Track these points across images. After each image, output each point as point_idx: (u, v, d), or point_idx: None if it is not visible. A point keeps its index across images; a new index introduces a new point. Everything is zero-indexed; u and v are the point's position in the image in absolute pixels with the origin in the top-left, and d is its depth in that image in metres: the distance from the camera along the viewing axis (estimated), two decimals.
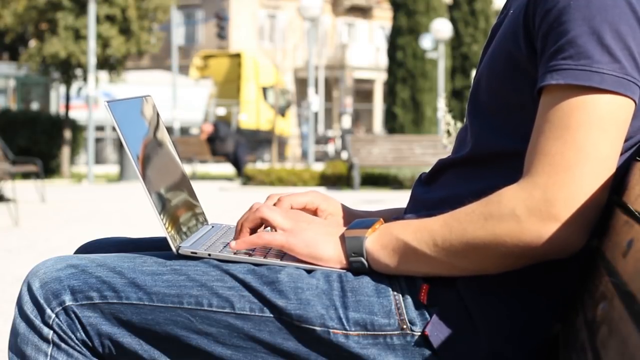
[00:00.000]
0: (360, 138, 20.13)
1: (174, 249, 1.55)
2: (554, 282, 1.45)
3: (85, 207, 12.53)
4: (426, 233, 1.44)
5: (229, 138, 22.10)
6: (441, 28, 25.54)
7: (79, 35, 22.02)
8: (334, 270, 1.50)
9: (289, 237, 1.52)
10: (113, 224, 9.95)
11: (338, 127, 41.83)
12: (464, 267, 1.43)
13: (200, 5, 45.49)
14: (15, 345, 1.53)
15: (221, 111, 33.65)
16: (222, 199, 13.96)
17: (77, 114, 26.34)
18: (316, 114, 33.93)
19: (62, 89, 25.30)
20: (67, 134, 22.83)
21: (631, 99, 1.37)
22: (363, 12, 49.90)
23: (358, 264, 1.49)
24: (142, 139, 1.61)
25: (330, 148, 34.74)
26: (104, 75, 23.64)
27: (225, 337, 1.49)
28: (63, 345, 1.51)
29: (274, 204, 1.65)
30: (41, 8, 22.19)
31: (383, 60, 39.61)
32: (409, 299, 1.46)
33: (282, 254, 1.55)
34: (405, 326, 1.45)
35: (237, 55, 34.90)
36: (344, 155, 21.76)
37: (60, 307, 1.51)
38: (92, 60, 20.70)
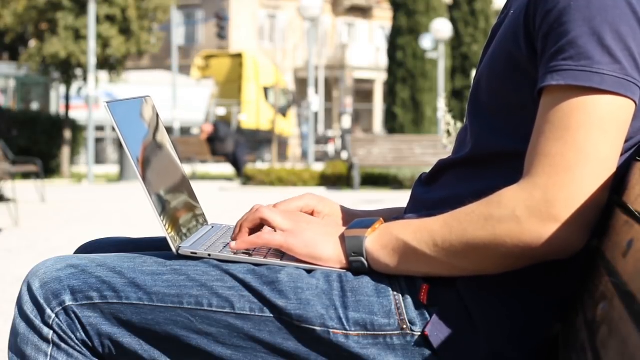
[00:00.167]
0: (360, 138, 20.13)
1: (174, 250, 1.55)
2: (554, 283, 1.45)
3: (85, 207, 12.53)
4: (426, 233, 1.44)
5: (229, 138, 22.10)
6: (441, 28, 25.54)
7: (79, 35, 22.02)
8: (334, 270, 1.50)
9: (288, 238, 1.53)
10: (113, 224, 9.95)
11: (338, 127, 41.84)
12: (464, 267, 1.43)
13: (200, 5, 45.48)
14: (15, 345, 1.53)
15: (221, 111, 33.65)
16: (222, 199, 13.96)
17: (77, 114, 26.35)
18: (316, 114, 33.95)
19: (62, 89, 25.31)
20: (67, 134, 22.84)
21: (631, 99, 1.37)
22: (363, 12, 49.90)
23: (358, 264, 1.49)
24: (141, 139, 1.61)
25: (330, 148, 34.75)
26: (104, 75, 23.65)
27: (225, 337, 1.49)
28: (63, 345, 1.51)
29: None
30: (41, 8, 22.19)
31: (383, 60, 39.62)
32: (409, 299, 1.46)
33: (282, 254, 1.55)
34: (405, 326, 1.45)
35: (239, 56, 34.90)
36: (344, 155, 21.77)
37: (60, 307, 1.51)
38: (92, 60, 20.70)
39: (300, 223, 1.55)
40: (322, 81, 40.06)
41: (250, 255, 1.55)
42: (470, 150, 1.54)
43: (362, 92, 48.78)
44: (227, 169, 23.49)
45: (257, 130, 31.65)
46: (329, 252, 1.51)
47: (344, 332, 1.46)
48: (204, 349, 1.50)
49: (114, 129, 2.07)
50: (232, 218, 1.80)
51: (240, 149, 21.75)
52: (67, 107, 23.58)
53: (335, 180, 17.60)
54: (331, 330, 1.46)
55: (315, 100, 23.80)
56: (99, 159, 29.47)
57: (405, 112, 27.12)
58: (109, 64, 22.75)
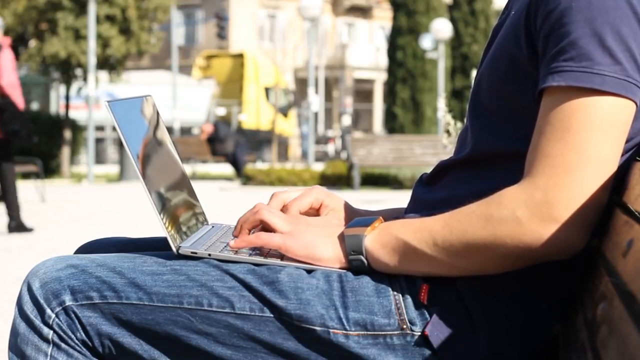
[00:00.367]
0: (360, 138, 20.13)
1: (174, 249, 1.55)
2: (554, 283, 1.46)
3: (85, 207, 12.53)
4: (426, 233, 1.44)
5: (229, 138, 22.11)
6: (441, 28, 25.55)
7: (79, 35, 22.04)
8: (334, 270, 1.50)
9: (287, 240, 1.53)
10: (113, 224, 9.95)
11: (338, 127, 41.85)
12: (464, 267, 1.43)
13: (200, 5, 45.49)
14: (15, 345, 1.53)
15: (221, 111, 33.66)
16: (222, 199, 13.96)
17: (77, 114, 26.36)
18: (316, 114, 33.93)
19: (62, 89, 25.31)
20: (67, 134, 22.84)
21: (632, 100, 1.37)
22: (363, 12, 49.90)
23: (357, 263, 1.49)
24: (142, 138, 1.61)
25: (330, 148, 34.76)
26: (104, 75, 23.65)
27: (225, 337, 1.49)
28: (63, 345, 1.51)
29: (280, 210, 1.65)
30: (41, 8, 22.20)
31: (383, 60, 39.61)
32: (409, 299, 1.46)
33: (282, 254, 1.55)
34: (405, 326, 1.45)
35: (240, 56, 34.91)
36: (344, 155, 21.77)
37: (60, 307, 1.51)
38: (92, 60, 20.70)
39: (299, 225, 1.55)
40: (322, 81, 40.07)
41: (250, 255, 1.55)
42: (470, 151, 1.54)
43: (362, 92, 48.79)
44: (227, 169, 23.49)
45: (258, 130, 31.67)
46: (328, 253, 1.51)
47: (344, 332, 1.46)
48: (204, 349, 1.50)
49: (114, 129, 2.08)
50: (232, 218, 1.80)
51: (240, 149, 21.75)
52: (67, 107, 23.58)
53: (335, 180, 17.60)
54: (331, 330, 1.46)
55: (315, 100, 23.80)
56: (99, 159, 29.47)
57: (405, 112, 27.12)
58: (109, 64, 22.76)
